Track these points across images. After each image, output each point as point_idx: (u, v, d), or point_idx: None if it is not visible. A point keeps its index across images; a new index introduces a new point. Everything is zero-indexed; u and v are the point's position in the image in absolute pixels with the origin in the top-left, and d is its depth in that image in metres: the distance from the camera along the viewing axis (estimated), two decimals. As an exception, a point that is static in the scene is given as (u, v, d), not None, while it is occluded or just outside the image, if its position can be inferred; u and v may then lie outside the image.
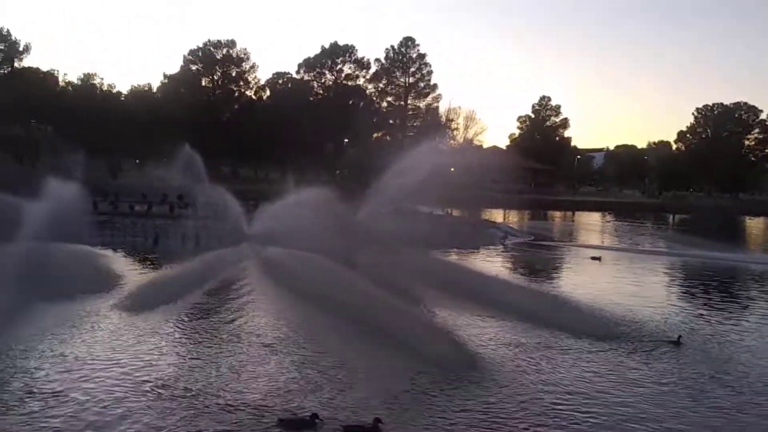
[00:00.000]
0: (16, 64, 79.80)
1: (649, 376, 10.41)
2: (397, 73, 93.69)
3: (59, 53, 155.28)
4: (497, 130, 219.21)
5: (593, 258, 25.98)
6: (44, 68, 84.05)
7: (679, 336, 12.65)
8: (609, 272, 23.19)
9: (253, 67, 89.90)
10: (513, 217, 53.20)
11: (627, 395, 9.48)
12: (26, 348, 10.67)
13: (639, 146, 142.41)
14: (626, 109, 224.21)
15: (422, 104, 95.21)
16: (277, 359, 10.64)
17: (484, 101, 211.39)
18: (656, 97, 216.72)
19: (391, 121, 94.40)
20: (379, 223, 27.19)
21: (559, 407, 8.90)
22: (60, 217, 21.79)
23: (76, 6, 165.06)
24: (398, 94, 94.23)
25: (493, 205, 54.13)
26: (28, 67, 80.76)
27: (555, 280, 22.24)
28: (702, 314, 15.77)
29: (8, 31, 78.59)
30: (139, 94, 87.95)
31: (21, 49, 79.44)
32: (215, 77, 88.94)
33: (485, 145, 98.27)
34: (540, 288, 19.28)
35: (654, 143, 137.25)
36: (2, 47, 78.51)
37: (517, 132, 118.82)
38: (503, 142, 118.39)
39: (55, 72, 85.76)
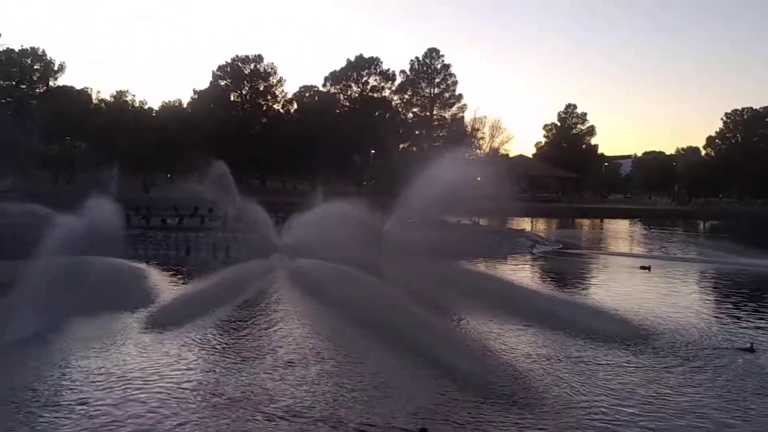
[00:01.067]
0: (51, 83, 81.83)
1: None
2: (422, 84, 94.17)
3: (93, 72, 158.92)
4: (523, 139, 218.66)
5: (642, 267, 24.96)
6: (78, 86, 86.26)
7: (752, 344, 12.62)
8: (643, 281, 23.07)
9: (280, 81, 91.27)
10: (541, 226, 53.03)
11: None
12: (67, 363, 10.98)
13: (667, 152, 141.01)
14: (653, 116, 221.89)
15: (447, 114, 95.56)
16: (312, 370, 10.86)
17: (509, 110, 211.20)
18: (684, 102, 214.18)
19: (417, 132, 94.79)
20: (406, 233, 27.40)
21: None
22: (95, 232, 22.45)
23: (108, 25, 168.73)
24: (423, 104, 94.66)
25: (521, 213, 54.00)
26: (63, 86, 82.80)
27: (596, 289, 22.07)
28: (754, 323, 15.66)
29: (44, 51, 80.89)
30: (170, 110, 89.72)
31: (56, 68, 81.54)
32: (243, 92, 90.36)
33: (511, 154, 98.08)
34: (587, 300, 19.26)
35: (682, 149, 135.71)
36: (38, 67, 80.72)
37: (543, 140, 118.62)
38: (530, 151, 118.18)
39: (89, 90, 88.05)
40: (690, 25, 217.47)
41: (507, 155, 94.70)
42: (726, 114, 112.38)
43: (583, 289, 21.92)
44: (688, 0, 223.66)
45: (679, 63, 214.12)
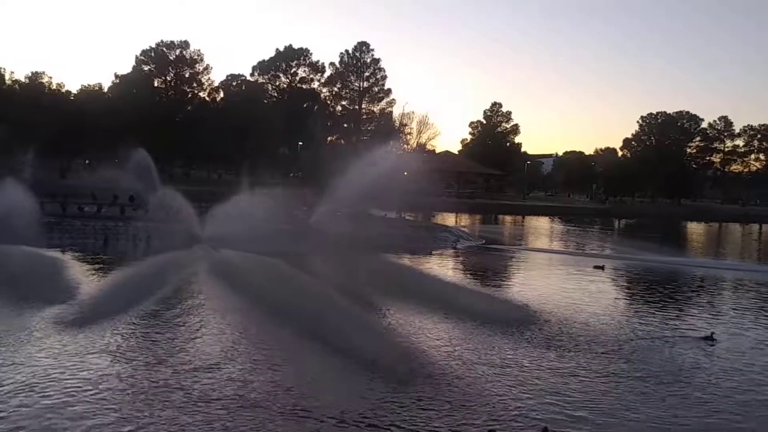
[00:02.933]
0: (-43, 61, 77.29)
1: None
2: (352, 78, 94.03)
3: (5, 51, 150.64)
4: (450, 135, 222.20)
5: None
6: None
7: (712, 332, 13.84)
8: (561, 276, 23.92)
9: (206, 68, 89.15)
10: (464, 221, 54.02)
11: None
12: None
13: (587, 153, 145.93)
14: (574, 117, 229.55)
15: (376, 109, 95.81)
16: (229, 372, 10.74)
17: (437, 106, 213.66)
18: (603, 104, 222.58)
19: (345, 125, 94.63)
20: (333, 226, 27.43)
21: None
22: (7, 219, 21.46)
23: (21, 2, 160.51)
24: (352, 98, 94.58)
25: (446, 209, 54.93)
26: (-29, 65, 78.34)
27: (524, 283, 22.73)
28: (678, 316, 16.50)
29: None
30: (90, 94, 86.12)
31: (-37, 45, 77.05)
32: (168, 78, 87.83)
33: (438, 150, 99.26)
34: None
35: (601, 150, 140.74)
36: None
37: (469, 137, 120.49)
38: (456, 148, 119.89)
39: (2, 70, 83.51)
40: (611, 32, 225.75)
41: (434, 151, 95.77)
42: (642, 117, 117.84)
43: (501, 282, 22.57)
44: (609, 7, 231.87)
45: (599, 66, 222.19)
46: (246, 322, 13.82)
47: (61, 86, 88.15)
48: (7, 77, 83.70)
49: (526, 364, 11.14)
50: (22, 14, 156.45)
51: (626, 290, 22.37)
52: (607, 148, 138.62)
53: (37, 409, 8.25)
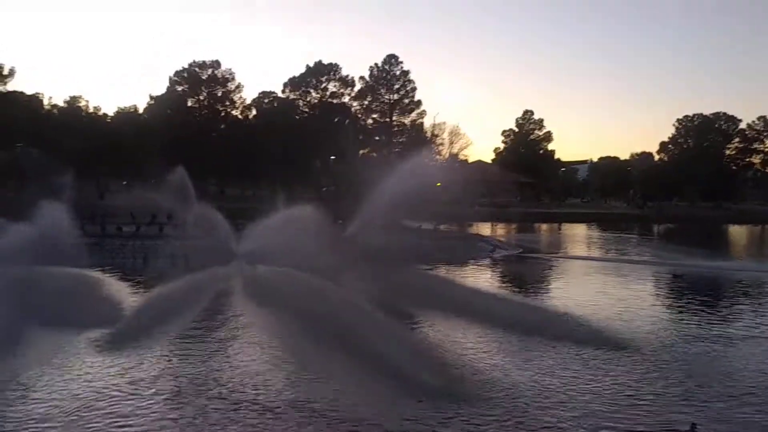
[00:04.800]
0: (0, 89, 79.49)
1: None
2: (382, 90, 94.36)
3: (44, 77, 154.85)
4: (482, 145, 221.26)
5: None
6: (29, 92, 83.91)
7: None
8: (600, 283, 23.46)
9: (238, 87, 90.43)
10: (500, 230, 53.56)
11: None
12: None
13: (622, 158, 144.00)
14: (608, 122, 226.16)
15: (407, 120, 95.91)
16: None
17: (468, 116, 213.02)
18: (638, 108, 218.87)
19: (376, 138, 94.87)
20: (367, 239, 27.33)
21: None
22: (49, 240, 21.81)
23: (59, 29, 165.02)
24: (383, 110, 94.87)
25: (481, 218, 54.51)
26: (13, 91, 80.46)
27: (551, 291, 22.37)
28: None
29: (-8, 56, 78.45)
30: (126, 116, 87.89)
31: (5, 73, 79.20)
32: (201, 97, 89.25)
33: (470, 160, 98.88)
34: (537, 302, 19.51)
35: (636, 154, 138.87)
36: (-14, 72, 78.23)
37: (501, 146, 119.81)
38: (488, 156, 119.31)
39: (40, 95, 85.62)
40: (643, 34, 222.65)
41: (466, 161, 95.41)
42: (678, 120, 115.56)
43: (542, 292, 22.19)
44: (640, 10, 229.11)
45: (632, 70, 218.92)
46: (284, 335, 13.81)
47: (98, 109, 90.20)
48: (45, 102, 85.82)
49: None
50: (59, 42, 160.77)
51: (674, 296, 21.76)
52: (643, 152, 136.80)
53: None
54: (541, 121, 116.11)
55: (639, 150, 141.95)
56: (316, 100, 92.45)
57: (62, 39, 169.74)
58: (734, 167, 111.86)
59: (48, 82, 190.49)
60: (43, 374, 10.59)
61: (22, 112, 73.67)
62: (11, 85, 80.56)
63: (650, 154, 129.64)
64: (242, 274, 22.47)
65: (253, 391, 9.86)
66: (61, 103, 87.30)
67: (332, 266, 22.16)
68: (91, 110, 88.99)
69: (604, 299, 19.22)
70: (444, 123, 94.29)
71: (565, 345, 12.79)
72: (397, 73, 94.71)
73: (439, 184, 32.74)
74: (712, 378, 10.91)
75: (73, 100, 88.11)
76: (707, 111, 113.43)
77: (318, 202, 34.31)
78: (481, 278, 25.15)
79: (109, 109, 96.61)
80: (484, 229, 50.75)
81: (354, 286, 19.92)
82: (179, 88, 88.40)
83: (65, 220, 24.74)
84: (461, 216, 43.24)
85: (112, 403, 9.28)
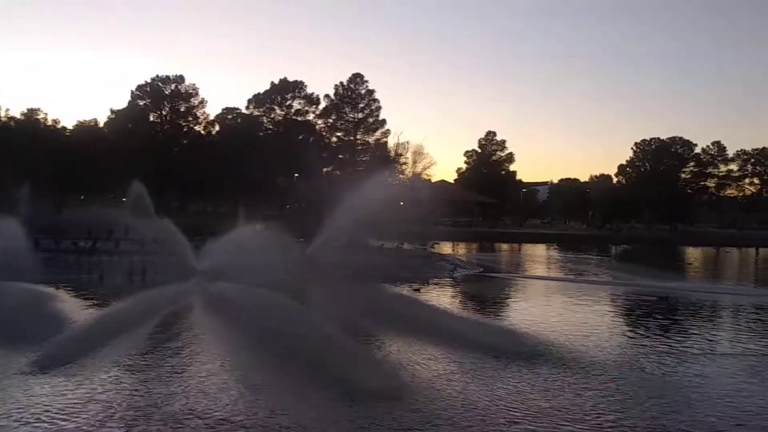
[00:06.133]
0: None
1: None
2: (347, 109, 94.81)
3: (1, 88, 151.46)
4: (445, 165, 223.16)
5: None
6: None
7: None
8: (559, 303, 23.74)
9: (202, 102, 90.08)
10: (461, 250, 53.88)
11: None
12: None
13: (582, 179, 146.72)
14: (569, 144, 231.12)
15: (371, 139, 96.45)
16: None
17: (432, 136, 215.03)
18: (597, 131, 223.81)
19: (340, 156, 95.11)
20: (329, 256, 27.26)
21: None
22: (1, 256, 21.25)
23: (20, 40, 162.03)
24: (348, 129, 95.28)
25: (442, 237, 54.82)
26: (-33, 102, 78.76)
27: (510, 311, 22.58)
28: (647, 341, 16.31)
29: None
30: (86, 130, 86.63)
31: (-41, 82, 77.46)
32: (164, 112, 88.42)
33: (434, 179, 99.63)
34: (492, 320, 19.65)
35: (596, 176, 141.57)
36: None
37: (464, 166, 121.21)
38: (451, 176, 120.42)
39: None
40: (602, 61, 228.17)
41: (429, 180, 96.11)
42: (636, 143, 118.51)
43: (502, 311, 22.37)
44: (600, 37, 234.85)
45: (593, 94, 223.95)
46: (242, 355, 13.66)
47: (56, 122, 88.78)
48: (2, 114, 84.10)
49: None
50: (17, 52, 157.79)
51: (625, 317, 22.14)
52: (602, 175, 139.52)
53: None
54: (503, 142, 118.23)
55: (598, 172, 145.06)
56: (280, 117, 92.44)
57: (20, 50, 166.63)
58: (689, 190, 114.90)
59: (5, 94, 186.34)
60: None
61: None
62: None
63: (609, 177, 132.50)
64: (200, 290, 22.18)
65: (200, 407, 9.68)
66: (18, 116, 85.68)
67: (294, 284, 22.08)
68: (49, 123, 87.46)
69: (562, 318, 19.44)
70: (408, 142, 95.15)
71: (518, 363, 12.89)
72: (363, 92, 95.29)
73: (402, 202, 32.93)
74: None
75: (32, 113, 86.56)
76: (664, 135, 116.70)
77: (281, 220, 34.18)
78: (441, 297, 25.24)
79: (69, 122, 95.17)
80: (446, 248, 51.03)
81: (313, 303, 19.86)
82: (141, 102, 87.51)
83: (19, 235, 24.20)
84: (423, 235, 43.48)
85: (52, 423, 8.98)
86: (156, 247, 27.16)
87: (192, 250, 26.83)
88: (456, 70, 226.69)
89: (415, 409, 9.85)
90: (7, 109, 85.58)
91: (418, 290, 25.60)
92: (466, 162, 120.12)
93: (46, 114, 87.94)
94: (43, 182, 56.07)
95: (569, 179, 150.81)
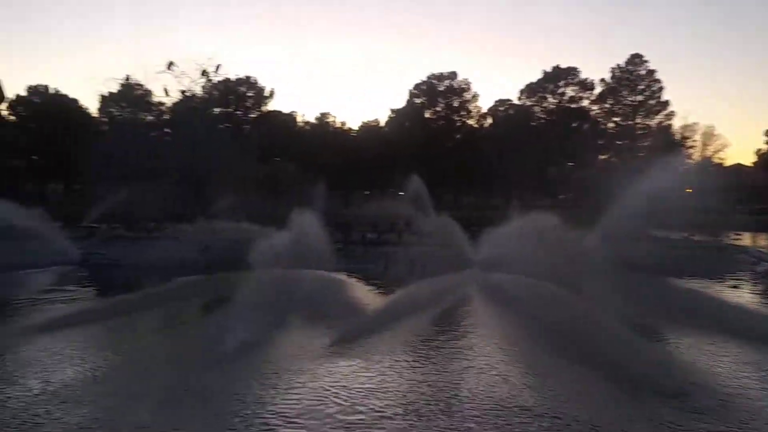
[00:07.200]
0: (262, 108, 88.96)
1: None
2: (624, 92, 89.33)
3: (298, 96, 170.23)
4: (742, 146, 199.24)
5: None
6: (285, 110, 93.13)
7: None
8: None
9: (474, 96, 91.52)
10: (763, 241, 47.66)
11: None
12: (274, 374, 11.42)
13: None
14: None
15: (653, 123, 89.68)
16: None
17: (725, 115, 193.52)
18: None
19: (618, 142, 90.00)
20: (608, 248, 25.85)
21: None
22: (302, 246, 23.76)
23: (309, 51, 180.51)
24: (626, 113, 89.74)
25: (739, 227, 49.07)
26: (273, 111, 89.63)
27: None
28: None
29: (255, 79, 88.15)
30: (368, 130, 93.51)
31: (266, 94, 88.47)
32: (438, 108, 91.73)
33: (728, 163, 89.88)
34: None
35: None
36: (252, 94, 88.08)
37: (765, 147, 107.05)
38: (749, 159, 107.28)
39: (295, 113, 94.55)
40: None
41: (722, 164, 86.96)
42: None
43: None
44: None
45: None
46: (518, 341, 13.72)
47: (343, 125, 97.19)
48: (299, 119, 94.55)
49: None
50: (312, 62, 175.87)
51: None
52: None
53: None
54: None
55: None
56: (553, 106, 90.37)
57: (310, 60, 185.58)
58: None
59: (302, 102, 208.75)
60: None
61: (279, 129, 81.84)
62: (271, 105, 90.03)
63: None
64: (478, 280, 22.57)
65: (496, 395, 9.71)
66: (312, 120, 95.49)
67: (572, 276, 21.31)
68: (338, 125, 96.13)
69: None
70: (696, 124, 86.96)
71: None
72: (642, 73, 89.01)
73: (689, 190, 30.09)
74: None
75: (323, 117, 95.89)
76: None
77: (555, 210, 33.31)
78: (742, 293, 22.41)
79: (354, 123, 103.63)
80: (744, 239, 45.55)
81: (595, 297, 18.94)
82: (417, 101, 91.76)
83: (317, 228, 26.84)
84: (715, 224, 39.29)
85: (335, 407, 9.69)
86: (434, 239, 28.32)
87: (468, 242, 27.47)
88: (750, 41, 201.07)
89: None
90: (303, 115, 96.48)
91: (735, 287, 23.12)
92: (767, 142, 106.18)
93: (334, 117, 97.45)
94: (334, 180, 61.77)
95: None
